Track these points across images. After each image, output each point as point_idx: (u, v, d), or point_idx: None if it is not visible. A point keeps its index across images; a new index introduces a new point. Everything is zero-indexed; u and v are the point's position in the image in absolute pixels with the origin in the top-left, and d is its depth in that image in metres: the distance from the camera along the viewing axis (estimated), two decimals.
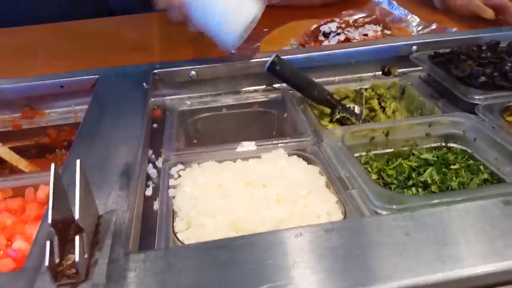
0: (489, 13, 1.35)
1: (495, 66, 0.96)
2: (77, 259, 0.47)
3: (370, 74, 1.16)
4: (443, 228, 0.53)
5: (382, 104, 1.10)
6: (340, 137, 0.83)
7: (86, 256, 0.51)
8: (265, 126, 1.09)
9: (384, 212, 0.62)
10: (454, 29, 1.42)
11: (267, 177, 0.74)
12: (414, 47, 1.14)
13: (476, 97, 0.90)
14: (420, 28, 1.45)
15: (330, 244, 0.53)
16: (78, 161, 0.54)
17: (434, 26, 1.42)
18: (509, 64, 0.96)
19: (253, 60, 1.11)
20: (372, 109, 1.10)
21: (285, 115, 1.05)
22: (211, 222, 0.65)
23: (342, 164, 0.76)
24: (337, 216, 0.67)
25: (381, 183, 0.81)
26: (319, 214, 0.67)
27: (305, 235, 0.54)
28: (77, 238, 0.49)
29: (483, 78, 0.93)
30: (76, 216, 0.50)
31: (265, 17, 1.56)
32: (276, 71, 1.03)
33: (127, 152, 0.73)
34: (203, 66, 1.07)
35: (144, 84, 0.97)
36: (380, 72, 1.16)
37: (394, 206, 0.62)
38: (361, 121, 1.02)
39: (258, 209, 0.67)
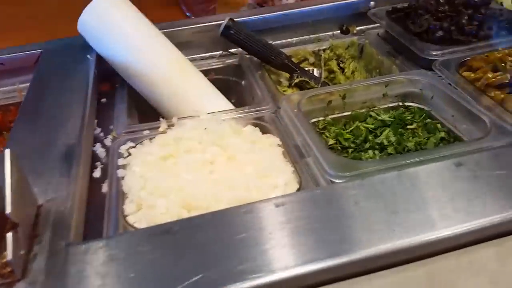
0: None
1: (452, 20, 0.94)
2: (9, 257, 0.45)
3: (329, 33, 1.12)
4: (393, 195, 0.52)
5: (341, 65, 1.08)
6: (296, 103, 0.80)
7: (22, 252, 0.48)
8: (223, 94, 1.05)
9: (337, 181, 0.61)
10: None
11: (222, 150, 0.71)
12: (372, 3, 1.10)
13: (434, 52, 0.88)
14: None
15: (280, 219, 0.51)
16: (7, 151, 0.50)
17: None
18: (466, 18, 0.94)
19: (207, 24, 1.06)
20: (331, 71, 1.07)
21: (243, 83, 1.02)
22: (163, 202, 0.62)
23: (298, 132, 0.74)
24: (293, 186, 0.66)
25: (339, 148, 0.79)
26: (276, 185, 0.66)
27: (255, 212, 0.52)
28: (9, 234, 0.46)
29: (440, 33, 0.91)
30: (8, 210, 0.47)
31: None
32: (230, 36, 0.99)
33: (69, 132, 0.69)
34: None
35: (89, 56, 0.91)
36: (339, 31, 1.13)
37: (347, 174, 0.61)
38: (320, 84, 0.99)
39: (212, 185, 0.64)
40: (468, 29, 0.92)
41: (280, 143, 0.74)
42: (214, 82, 1.03)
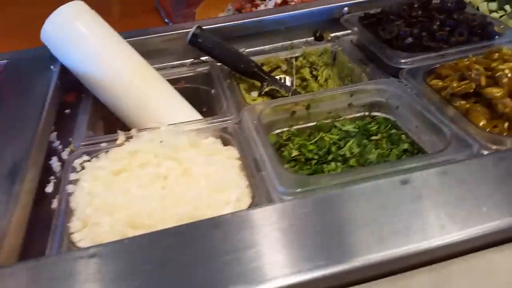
0: None
1: (423, 26, 0.92)
2: None
3: (302, 40, 1.10)
4: (334, 214, 0.50)
5: (314, 72, 1.06)
6: (258, 114, 0.78)
7: None
8: (194, 103, 1.03)
9: (287, 197, 0.59)
10: None
11: (177, 163, 0.69)
12: (346, 9, 1.08)
13: (402, 60, 0.86)
14: None
15: (212, 242, 0.49)
16: None
17: None
18: (438, 23, 0.92)
19: (178, 32, 1.04)
20: (304, 79, 1.05)
21: (212, 92, 1.00)
22: (107, 220, 0.60)
23: (256, 145, 0.72)
24: (246, 202, 0.64)
25: (303, 159, 0.77)
26: (228, 200, 0.64)
27: (190, 233, 0.50)
28: None
29: (410, 39, 0.89)
30: None
31: None
32: (198, 44, 0.97)
33: (19, 146, 0.67)
34: (127, 40, 0.98)
35: (52, 67, 0.90)
36: (313, 38, 1.11)
37: (298, 190, 0.59)
38: (291, 93, 0.97)
39: (162, 202, 0.63)
40: (439, 35, 0.90)
41: (238, 156, 0.73)
42: (184, 90, 1.02)
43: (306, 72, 1.05)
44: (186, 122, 0.80)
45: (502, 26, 0.94)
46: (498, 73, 0.75)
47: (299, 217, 0.49)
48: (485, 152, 0.64)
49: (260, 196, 0.64)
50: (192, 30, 0.96)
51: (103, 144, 0.77)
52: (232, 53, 0.98)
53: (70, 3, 0.88)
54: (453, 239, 0.45)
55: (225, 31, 1.07)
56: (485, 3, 1.09)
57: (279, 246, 0.47)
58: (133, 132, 0.77)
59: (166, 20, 1.28)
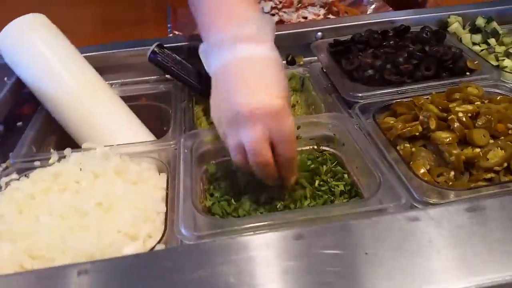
0: None
1: (388, 57, 0.87)
2: None
3: None
4: (222, 267, 0.46)
5: None
6: (195, 141, 0.75)
7: None
8: (154, 122, 1.01)
9: (187, 242, 0.55)
10: (389, 9, 1.32)
11: (96, 191, 0.67)
12: (319, 34, 1.04)
13: (359, 94, 0.82)
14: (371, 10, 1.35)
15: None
16: None
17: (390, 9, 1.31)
18: (405, 55, 0.87)
19: (143, 48, 1.02)
20: None
21: (170, 111, 0.97)
22: (8, 247, 0.58)
23: (184, 175, 0.69)
24: (156, 239, 0.61)
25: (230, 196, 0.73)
26: (137, 237, 0.61)
27: (88, 275, 0.47)
28: None
29: (370, 72, 0.84)
30: None
31: None
32: (158, 62, 0.95)
33: None
34: (87, 54, 0.98)
35: (6, 78, 0.89)
36: (285, 62, 1.07)
37: (197, 234, 0.55)
38: None
39: (67, 233, 0.60)
40: (403, 68, 0.85)
41: (165, 186, 0.70)
42: (144, 108, 1.00)
43: None
44: (123, 144, 0.78)
45: (476, 62, 0.88)
46: (451, 116, 0.69)
47: (188, 268, 0.46)
48: (418, 206, 0.59)
49: (173, 234, 0.60)
50: (151, 47, 0.94)
51: (37, 163, 0.75)
52: (193, 73, 0.95)
53: (27, 15, 0.88)
54: None
55: (193, 50, 1.04)
56: (469, 34, 1.02)
57: None
58: (66, 152, 0.75)
59: (168, 25, 1.27)
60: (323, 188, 0.71)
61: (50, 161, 0.75)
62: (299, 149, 0.79)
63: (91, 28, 1.34)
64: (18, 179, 0.72)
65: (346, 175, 0.73)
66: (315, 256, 0.45)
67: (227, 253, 0.47)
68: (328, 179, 0.73)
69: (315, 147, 0.79)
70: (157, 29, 1.35)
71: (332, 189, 0.71)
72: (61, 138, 0.92)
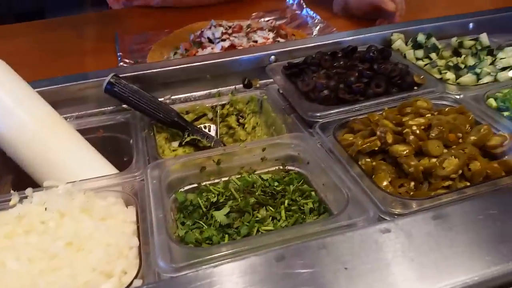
0: (391, 5, 1.30)
1: (341, 77, 0.91)
2: None
3: (231, 87, 1.09)
4: None
5: (241, 120, 1.04)
6: (162, 171, 0.75)
7: None
8: (114, 153, 0.99)
9: (165, 274, 0.55)
10: (333, 30, 1.38)
11: (64, 231, 0.65)
12: (273, 57, 1.07)
13: (317, 114, 0.85)
14: (316, 32, 1.40)
15: None
16: None
17: (334, 29, 1.37)
18: (356, 74, 0.91)
19: (98, 79, 1.00)
20: (230, 127, 1.03)
21: (131, 141, 0.96)
22: None
23: (154, 206, 0.68)
24: (132, 274, 0.60)
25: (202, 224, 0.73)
26: (112, 274, 0.60)
27: None
28: None
29: (326, 92, 0.88)
30: None
31: (171, 17, 1.50)
32: (114, 92, 0.94)
33: None
34: (39, 89, 0.94)
35: None
36: (242, 85, 1.09)
37: (175, 265, 0.55)
38: (213, 142, 0.95)
39: (36, 281, 0.58)
40: (356, 87, 0.89)
41: (135, 219, 0.69)
42: (103, 140, 0.99)
43: (232, 120, 1.02)
44: (86, 179, 0.76)
45: (422, 77, 0.94)
46: (406, 130, 0.74)
47: None
48: (385, 217, 0.62)
49: (149, 267, 0.60)
50: (107, 78, 0.93)
51: None
52: (151, 101, 0.95)
53: None
54: None
55: (149, 78, 1.04)
56: (412, 50, 1.09)
57: None
58: (27, 192, 0.73)
59: (118, 54, 1.26)
60: (293, 208, 0.73)
61: (11, 203, 0.72)
62: (266, 170, 0.82)
63: (36, 58, 1.30)
64: None
65: (313, 193, 0.75)
66: (298, 276, 0.47)
67: (212, 283, 0.48)
68: (297, 198, 0.75)
69: (281, 167, 0.81)
70: (106, 58, 1.33)
71: (302, 208, 0.73)
72: (18, 177, 0.88)
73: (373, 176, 0.70)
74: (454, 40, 1.13)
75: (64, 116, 0.98)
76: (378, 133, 0.73)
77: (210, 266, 0.53)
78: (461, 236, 0.50)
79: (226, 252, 0.57)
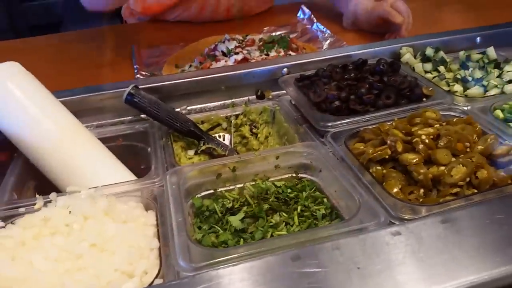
0: (399, 18, 1.34)
1: (352, 89, 0.94)
2: None
3: (244, 98, 1.12)
4: None
5: (254, 130, 1.07)
6: (181, 177, 0.78)
7: None
8: (132, 161, 1.02)
9: (186, 273, 0.58)
10: (343, 43, 1.42)
11: (87, 233, 0.68)
12: (285, 70, 1.11)
13: (328, 123, 0.88)
14: (326, 45, 1.44)
15: None
16: None
17: (344, 43, 1.40)
18: (367, 86, 0.95)
19: (117, 90, 1.05)
20: (244, 136, 1.06)
21: (149, 150, 1.00)
22: None
23: (174, 210, 0.71)
24: (153, 274, 0.62)
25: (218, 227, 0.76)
26: (133, 274, 0.63)
27: None
28: None
29: (337, 103, 0.91)
30: None
31: (184, 31, 1.55)
32: (134, 103, 0.98)
33: None
34: (61, 99, 0.99)
35: None
36: (255, 96, 1.13)
37: (200, 264, 0.58)
38: (227, 151, 0.98)
39: (62, 277, 0.61)
40: (366, 98, 0.92)
41: (155, 222, 0.72)
42: (122, 148, 1.02)
43: (245, 130, 1.06)
44: (108, 185, 0.80)
45: (431, 89, 0.96)
46: (415, 139, 0.77)
47: None
48: (395, 222, 0.64)
49: (168, 267, 0.63)
50: (128, 89, 0.97)
51: (21, 209, 0.75)
52: (169, 112, 0.98)
53: (2, 64, 0.89)
54: None
55: (166, 89, 1.09)
56: (421, 63, 1.12)
57: None
58: (52, 196, 0.76)
59: (135, 67, 1.31)
60: (305, 214, 0.76)
61: (36, 207, 0.75)
62: (279, 177, 0.85)
63: (54, 70, 1.35)
64: (4, 227, 0.72)
65: (325, 199, 0.78)
66: (313, 275, 0.49)
67: (232, 280, 0.50)
68: (309, 204, 0.78)
69: (294, 174, 0.84)
70: (123, 70, 1.38)
71: (314, 214, 0.76)
72: (40, 183, 0.92)
73: (384, 183, 0.72)
74: (462, 54, 1.16)
75: (85, 125, 1.02)
76: (388, 142, 0.76)
77: (229, 265, 0.55)
78: (469, 238, 0.53)
79: (243, 253, 0.60)
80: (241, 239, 0.73)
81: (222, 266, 0.56)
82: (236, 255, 0.59)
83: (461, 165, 0.72)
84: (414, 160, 0.74)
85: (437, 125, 0.82)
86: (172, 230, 0.66)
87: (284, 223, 0.75)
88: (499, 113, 0.91)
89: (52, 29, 2.63)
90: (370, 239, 0.54)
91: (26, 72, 0.91)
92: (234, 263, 0.57)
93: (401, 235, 0.54)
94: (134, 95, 0.97)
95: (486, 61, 1.12)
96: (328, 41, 1.47)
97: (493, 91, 1.00)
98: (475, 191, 0.72)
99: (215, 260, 0.59)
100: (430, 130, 0.79)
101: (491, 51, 1.14)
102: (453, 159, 0.74)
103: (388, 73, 1.01)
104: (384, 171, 0.75)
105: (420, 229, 0.55)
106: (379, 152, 0.76)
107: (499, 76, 1.04)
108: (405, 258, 0.51)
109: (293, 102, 1.04)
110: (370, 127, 0.86)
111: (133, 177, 0.89)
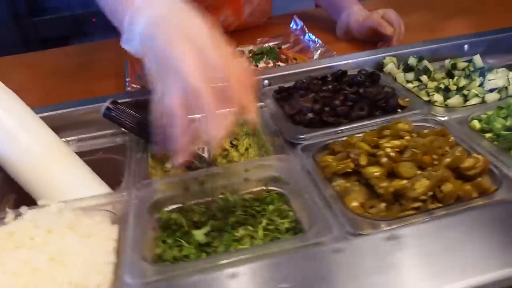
0: (389, 29, 1.33)
1: (326, 101, 0.94)
2: None
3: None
4: None
5: (234, 142, 1.07)
6: (146, 191, 0.79)
7: None
8: (112, 175, 1.04)
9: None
10: (333, 53, 1.41)
11: (48, 249, 0.69)
12: (266, 82, 1.11)
13: (302, 136, 0.88)
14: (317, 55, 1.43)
15: None
16: None
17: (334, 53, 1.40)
18: (341, 98, 0.94)
19: (98, 105, 1.06)
20: (224, 148, 1.07)
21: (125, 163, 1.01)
22: None
23: (135, 224, 0.72)
24: None
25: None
26: (88, 287, 0.63)
27: None
28: None
29: (310, 115, 0.91)
30: None
31: None
32: (112, 117, 0.99)
33: None
34: (42, 114, 1.01)
35: None
36: None
37: (141, 280, 0.58)
38: (206, 164, 0.98)
39: None
40: (340, 110, 0.91)
41: (116, 237, 0.73)
42: (101, 161, 1.04)
43: (225, 142, 1.06)
44: (78, 199, 0.81)
45: (407, 99, 0.95)
46: (379, 152, 0.76)
47: None
48: (349, 237, 0.64)
49: (119, 283, 0.63)
50: (106, 103, 0.99)
51: None
52: (145, 125, 0.99)
53: None
54: None
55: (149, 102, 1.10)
56: (402, 73, 1.11)
57: None
58: (22, 210, 0.78)
59: (127, 80, 1.33)
60: (270, 227, 0.76)
61: (6, 220, 0.77)
62: (249, 190, 0.85)
63: (49, 84, 1.39)
64: None
65: (291, 213, 0.78)
66: None
67: None
68: (274, 218, 0.77)
69: (264, 187, 0.84)
70: (117, 83, 1.40)
71: (278, 228, 0.76)
72: (20, 195, 0.94)
73: (345, 197, 0.72)
74: (447, 62, 1.14)
75: (67, 139, 1.05)
76: (352, 155, 0.75)
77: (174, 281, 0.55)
78: (413, 256, 0.52)
79: (196, 268, 0.60)
80: (204, 253, 0.73)
81: (166, 282, 0.57)
82: (181, 270, 0.59)
83: (425, 178, 0.71)
84: (376, 174, 0.73)
85: (408, 137, 0.81)
86: (126, 245, 0.66)
87: (250, 236, 0.75)
88: (475, 123, 0.89)
89: (62, 43, 2.70)
90: (311, 254, 0.54)
91: (4, 88, 0.94)
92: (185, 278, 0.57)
93: (343, 252, 0.54)
94: (112, 109, 0.99)
95: (472, 69, 1.10)
96: (319, 51, 1.46)
97: (474, 100, 0.98)
98: (440, 205, 0.70)
99: (165, 276, 0.59)
100: (397, 142, 0.78)
101: (478, 59, 1.12)
102: (419, 172, 0.73)
103: (366, 84, 1.00)
104: (348, 184, 0.74)
105: (363, 246, 0.54)
106: (342, 166, 0.75)
107: (481, 85, 1.02)
108: (348, 276, 0.50)
109: (272, 115, 1.04)
110: (341, 139, 0.85)
111: (109, 190, 0.91)
